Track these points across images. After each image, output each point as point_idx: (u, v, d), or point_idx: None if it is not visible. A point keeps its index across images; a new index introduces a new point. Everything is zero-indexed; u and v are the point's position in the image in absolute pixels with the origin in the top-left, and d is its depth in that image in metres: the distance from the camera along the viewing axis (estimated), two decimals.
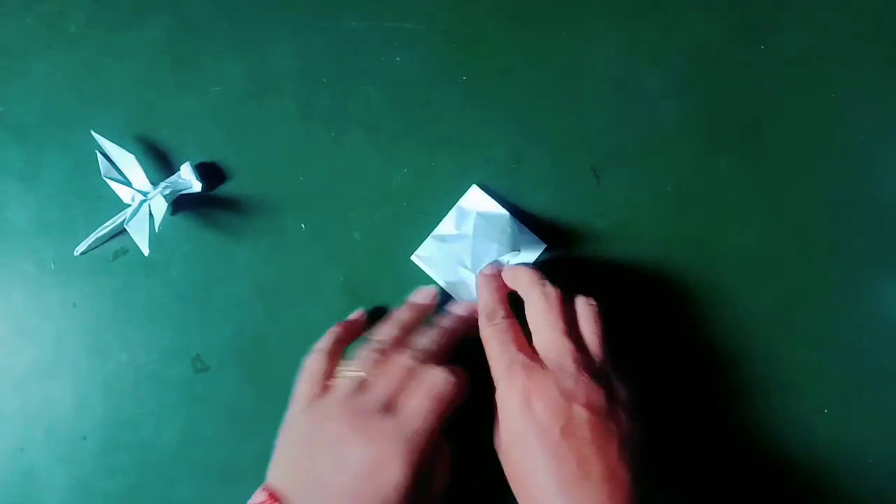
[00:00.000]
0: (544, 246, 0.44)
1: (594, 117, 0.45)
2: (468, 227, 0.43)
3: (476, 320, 0.40)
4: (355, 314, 0.44)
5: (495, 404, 0.38)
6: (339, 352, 0.40)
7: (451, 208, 0.44)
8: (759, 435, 0.44)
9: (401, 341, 0.40)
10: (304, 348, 0.43)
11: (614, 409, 0.35)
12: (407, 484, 0.34)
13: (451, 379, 0.37)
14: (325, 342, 0.41)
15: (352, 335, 0.42)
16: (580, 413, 0.34)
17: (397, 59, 0.46)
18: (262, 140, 0.45)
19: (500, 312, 0.39)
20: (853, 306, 0.44)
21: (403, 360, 0.38)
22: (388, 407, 0.36)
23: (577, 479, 0.33)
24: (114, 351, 0.44)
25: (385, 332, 0.40)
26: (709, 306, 0.44)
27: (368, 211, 0.45)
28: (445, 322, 0.41)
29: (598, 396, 0.35)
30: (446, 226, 0.44)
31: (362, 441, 0.35)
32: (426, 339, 0.40)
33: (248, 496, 0.44)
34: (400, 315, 0.42)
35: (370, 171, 0.45)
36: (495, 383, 0.37)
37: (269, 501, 0.35)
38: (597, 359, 0.37)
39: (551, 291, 0.38)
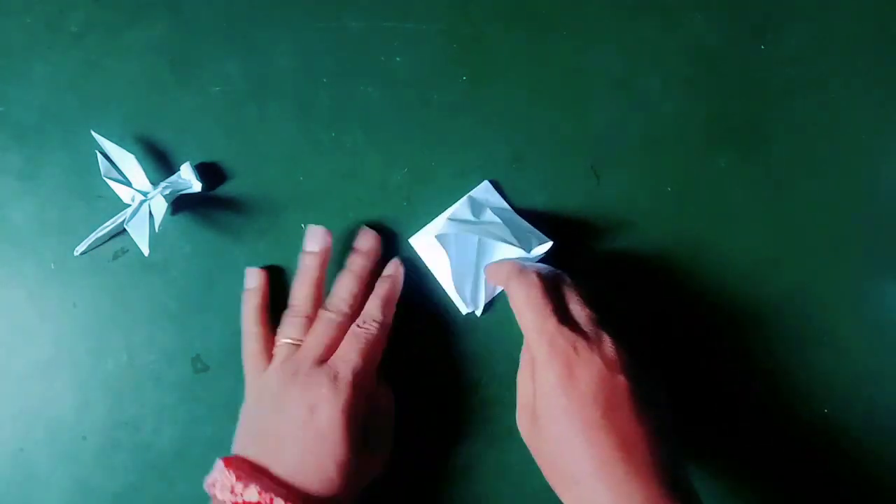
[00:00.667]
0: (551, 243, 0.44)
1: (594, 117, 0.45)
2: (488, 216, 0.43)
3: (376, 251, 0.43)
4: (252, 279, 0.43)
5: (521, 382, 0.38)
6: (264, 322, 0.43)
7: (450, 208, 0.44)
8: (758, 434, 0.44)
9: (318, 297, 0.42)
10: None
11: (648, 381, 0.36)
12: (343, 421, 0.37)
13: (373, 324, 0.40)
14: (248, 323, 0.42)
15: (265, 298, 0.43)
16: (622, 383, 0.34)
17: (397, 59, 0.46)
18: (262, 140, 0.45)
19: (527, 268, 0.39)
20: (853, 306, 0.44)
21: (327, 315, 0.41)
22: (320, 360, 0.39)
23: (622, 452, 0.33)
24: (114, 351, 0.44)
25: (296, 291, 0.42)
26: (709, 306, 0.44)
27: (368, 211, 0.45)
28: (355, 266, 0.42)
29: (637, 367, 0.35)
30: (461, 212, 0.44)
31: (298, 392, 0.38)
32: (345, 291, 0.41)
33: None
34: (307, 271, 0.42)
35: (370, 171, 0.45)
36: (524, 358, 0.37)
37: (223, 468, 0.37)
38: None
39: (568, 280, 0.39)
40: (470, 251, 0.43)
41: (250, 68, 0.45)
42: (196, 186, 0.44)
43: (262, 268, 0.44)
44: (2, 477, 0.44)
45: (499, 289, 0.44)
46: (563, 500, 0.35)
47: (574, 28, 0.46)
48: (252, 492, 0.35)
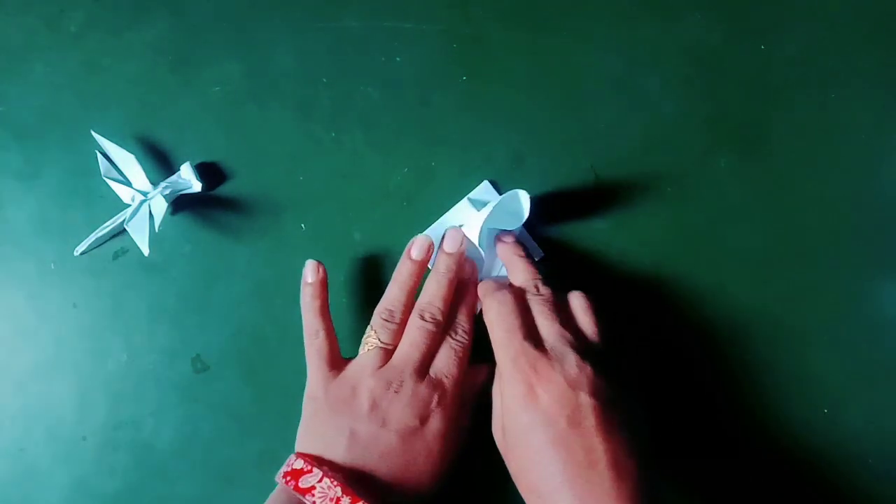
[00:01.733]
0: (542, 255, 0.44)
1: (594, 117, 0.45)
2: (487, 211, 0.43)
3: (462, 253, 0.42)
4: (311, 272, 0.42)
5: (494, 395, 0.39)
6: (329, 323, 0.41)
7: (450, 208, 0.44)
8: (758, 435, 0.44)
9: (409, 304, 0.42)
10: (303, 348, 0.43)
11: (618, 397, 0.35)
12: (449, 435, 0.39)
13: (464, 335, 0.40)
14: (311, 320, 0.41)
15: (325, 297, 0.42)
16: (586, 401, 0.34)
17: (397, 59, 0.46)
18: (262, 140, 0.45)
19: (505, 284, 0.40)
20: (853, 306, 0.44)
21: (419, 323, 0.40)
22: (419, 371, 0.39)
23: (584, 469, 0.33)
24: (114, 351, 0.44)
25: (392, 297, 0.42)
26: (709, 306, 0.44)
27: (368, 211, 0.45)
28: (444, 269, 0.42)
29: (602, 384, 0.35)
30: (462, 214, 0.44)
31: (404, 403, 0.38)
32: (436, 296, 0.41)
33: (249, 496, 0.44)
34: (400, 276, 0.42)
35: (370, 171, 0.45)
36: (497, 371, 0.38)
37: (309, 466, 0.37)
38: (596, 347, 0.37)
39: (545, 290, 0.39)
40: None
41: (250, 68, 0.45)
42: (196, 186, 0.44)
43: (318, 262, 0.43)
44: (2, 477, 0.44)
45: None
46: None
47: (574, 28, 0.46)
48: None
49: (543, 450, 0.34)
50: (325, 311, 0.42)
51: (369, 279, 0.45)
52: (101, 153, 0.43)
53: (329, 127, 0.45)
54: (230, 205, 0.45)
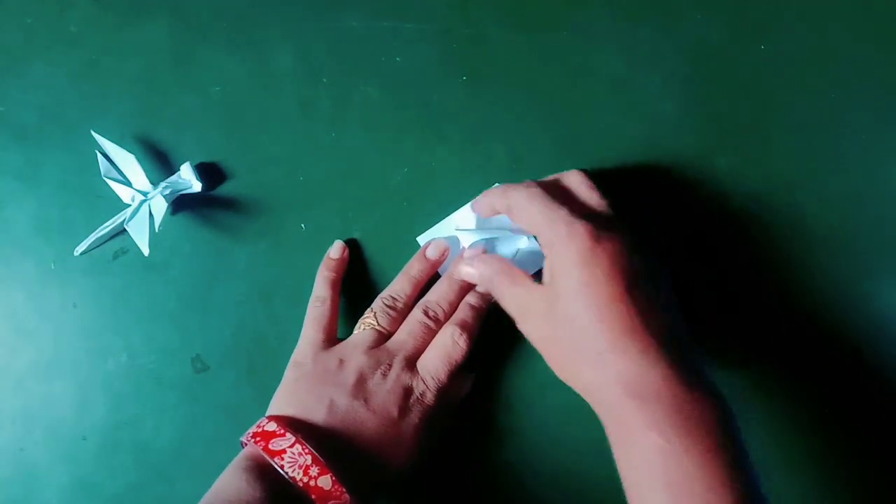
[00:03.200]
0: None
1: (594, 117, 0.45)
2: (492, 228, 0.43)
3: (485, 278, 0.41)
4: (336, 251, 0.44)
5: (521, 288, 0.37)
6: (336, 296, 0.43)
7: (450, 208, 0.44)
8: (758, 434, 0.44)
9: (413, 297, 0.42)
10: None
11: (662, 267, 0.37)
12: (421, 431, 0.39)
13: (462, 341, 0.40)
14: (321, 288, 0.43)
15: (341, 273, 0.44)
16: (638, 262, 0.35)
17: (397, 59, 0.46)
18: (262, 140, 0.45)
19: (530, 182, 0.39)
20: (853, 306, 0.44)
21: (421, 318, 0.41)
22: (408, 362, 0.40)
23: (635, 334, 0.33)
24: (114, 351, 0.44)
25: (399, 287, 0.42)
26: (708, 306, 0.44)
27: (368, 211, 0.45)
28: (458, 275, 0.42)
29: (647, 250, 0.36)
30: (466, 218, 0.44)
31: (388, 389, 0.39)
32: (439, 296, 0.42)
33: None
34: (411, 270, 0.43)
35: (370, 171, 0.45)
36: (549, 239, 0.36)
37: (282, 429, 0.37)
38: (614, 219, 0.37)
39: (532, 184, 0.38)
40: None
41: (250, 68, 0.45)
42: (196, 186, 0.44)
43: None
44: (2, 477, 0.44)
45: None
46: (575, 386, 0.36)
47: (574, 28, 0.46)
48: (327, 481, 0.35)
49: (600, 308, 0.34)
50: (336, 284, 0.43)
51: (369, 279, 0.45)
52: (101, 153, 0.43)
53: (329, 127, 0.45)
54: (230, 205, 0.45)
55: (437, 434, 0.41)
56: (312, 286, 0.44)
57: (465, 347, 0.40)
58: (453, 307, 0.42)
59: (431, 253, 0.43)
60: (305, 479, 0.35)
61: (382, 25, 0.46)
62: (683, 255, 0.44)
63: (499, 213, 0.40)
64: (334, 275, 0.43)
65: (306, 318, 0.42)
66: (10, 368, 0.45)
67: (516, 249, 0.43)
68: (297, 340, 0.43)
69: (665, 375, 0.33)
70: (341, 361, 0.40)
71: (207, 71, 0.45)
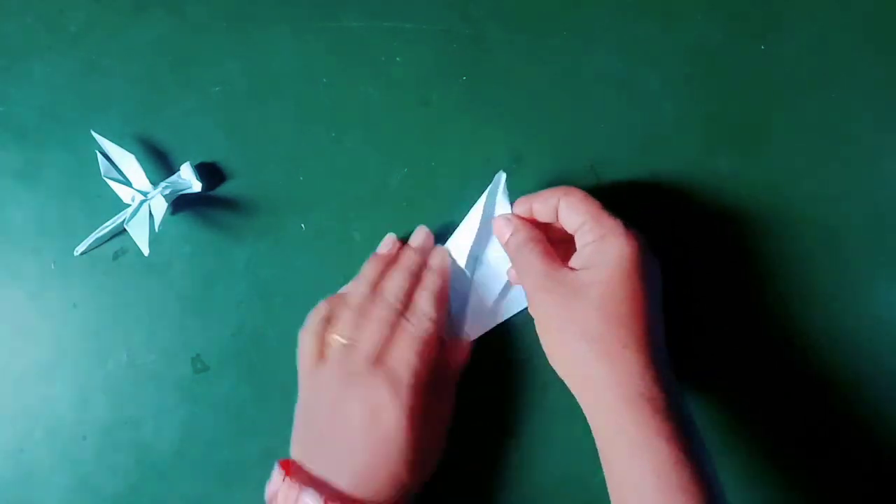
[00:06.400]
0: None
1: (594, 117, 0.45)
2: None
3: (428, 248, 0.43)
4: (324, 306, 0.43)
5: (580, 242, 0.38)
6: (325, 328, 0.41)
7: (450, 208, 0.44)
8: (758, 435, 0.44)
9: (373, 295, 0.41)
10: None
11: None
12: (407, 424, 0.37)
13: (429, 318, 0.39)
14: (310, 321, 0.41)
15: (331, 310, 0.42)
16: (659, 281, 0.38)
17: (397, 59, 0.46)
18: (262, 140, 0.45)
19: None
20: (853, 306, 0.44)
21: (379, 313, 0.40)
22: (377, 361, 0.38)
23: (649, 338, 0.36)
24: (114, 351, 0.44)
25: (355, 289, 0.41)
26: (708, 306, 0.44)
27: (368, 211, 0.45)
28: (405, 261, 0.42)
29: None
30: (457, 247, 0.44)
31: (357, 396, 0.38)
32: (395, 285, 0.41)
33: (248, 496, 0.44)
34: (366, 270, 0.42)
35: (370, 171, 0.45)
36: (597, 230, 0.37)
37: (280, 470, 0.37)
38: None
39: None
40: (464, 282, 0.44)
41: (250, 68, 0.45)
42: (196, 186, 0.44)
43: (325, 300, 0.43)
44: (2, 477, 0.44)
45: (499, 319, 0.44)
46: (569, 375, 0.37)
47: (574, 28, 0.46)
48: None
49: (634, 306, 0.36)
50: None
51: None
52: (101, 153, 0.43)
53: (329, 127, 0.45)
54: (230, 205, 0.45)
55: (447, 416, 0.41)
56: (312, 286, 0.44)
57: (429, 324, 0.39)
58: (409, 295, 0.41)
59: (381, 249, 0.43)
60: None
61: (382, 25, 0.46)
62: (683, 254, 0.44)
63: (536, 213, 0.40)
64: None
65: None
66: (10, 368, 0.45)
67: (502, 285, 0.43)
68: (296, 340, 0.43)
69: (664, 386, 0.34)
70: (315, 386, 0.40)
71: (207, 71, 0.45)
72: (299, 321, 0.43)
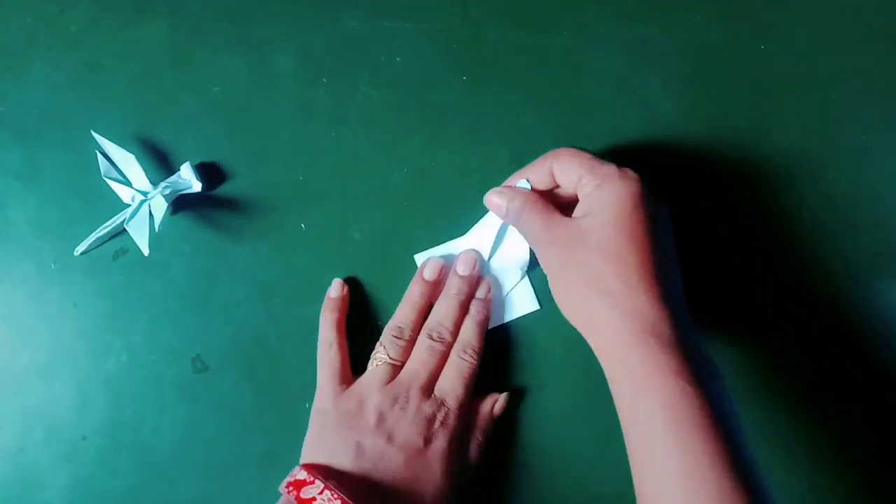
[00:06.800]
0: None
1: (594, 117, 0.45)
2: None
3: (475, 277, 0.43)
4: (336, 289, 0.44)
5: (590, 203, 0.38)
6: (343, 337, 0.43)
7: (450, 208, 0.44)
8: (758, 435, 0.44)
9: (419, 322, 0.42)
10: (304, 348, 0.43)
11: None
12: (449, 452, 0.39)
13: (468, 356, 0.41)
14: (327, 332, 0.43)
15: (344, 312, 0.44)
16: (666, 221, 0.38)
17: (397, 59, 0.46)
18: (262, 140, 0.45)
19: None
20: (853, 306, 0.44)
21: (429, 344, 0.41)
22: (425, 389, 0.40)
23: (656, 279, 0.35)
24: (114, 351, 0.44)
25: (404, 315, 0.42)
26: (708, 306, 0.44)
27: (368, 211, 0.45)
28: (455, 292, 0.42)
29: None
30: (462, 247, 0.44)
31: (408, 421, 0.39)
32: (444, 316, 0.42)
33: (248, 496, 0.44)
34: (412, 295, 0.43)
35: (370, 171, 0.45)
36: (593, 179, 0.37)
37: (311, 477, 0.37)
38: None
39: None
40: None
41: (250, 68, 0.46)
42: (196, 186, 0.44)
43: (344, 280, 0.44)
44: (2, 477, 0.44)
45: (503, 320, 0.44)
46: (579, 321, 0.37)
47: (574, 28, 0.46)
48: None
49: (636, 244, 0.35)
50: (341, 324, 0.43)
51: (369, 280, 0.45)
52: (101, 153, 0.43)
53: (329, 127, 0.45)
54: (230, 205, 0.45)
55: (471, 467, 0.41)
56: (312, 286, 0.44)
57: (474, 360, 0.41)
58: (457, 325, 0.42)
59: (428, 274, 0.43)
60: None
61: (382, 25, 0.46)
62: (683, 253, 0.44)
63: (534, 183, 0.40)
64: (338, 314, 0.43)
65: (318, 363, 0.42)
66: (10, 368, 0.45)
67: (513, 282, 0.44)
68: (297, 340, 0.44)
69: (675, 324, 0.34)
70: (360, 403, 0.40)
71: (207, 71, 0.45)
72: (299, 321, 0.44)
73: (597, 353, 0.36)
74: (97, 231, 0.43)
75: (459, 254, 0.43)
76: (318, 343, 0.43)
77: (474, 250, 0.44)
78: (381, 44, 0.46)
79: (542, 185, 0.40)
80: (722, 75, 0.45)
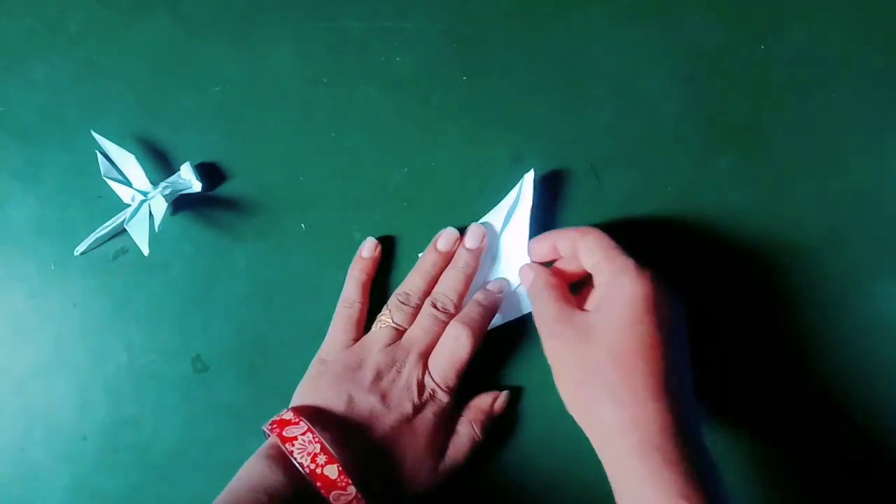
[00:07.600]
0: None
1: (594, 117, 0.45)
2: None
3: (482, 249, 0.43)
4: (368, 249, 0.44)
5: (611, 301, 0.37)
6: (366, 300, 0.43)
7: (450, 208, 0.44)
8: (758, 436, 0.44)
9: (427, 291, 0.43)
10: (304, 348, 0.43)
11: None
12: (436, 427, 0.40)
13: (466, 338, 0.40)
14: (351, 291, 0.43)
15: (371, 275, 0.44)
16: (681, 322, 0.38)
17: (397, 59, 0.46)
18: (262, 140, 0.45)
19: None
20: (853, 306, 0.44)
21: (433, 312, 0.41)
22: (422, 357, 0.40)
23: (668, 386, 0.35)
24: (114, 351, 0.44)
25: (412, 283, 0.43)
26: (708, 307, 0.44)
27: (368, 211, 0.45)
28: (462, 264, 0.43)
29: None
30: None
31: (403, 385, 0.40)
32: (446, 288, 0.42)
33: None
34: (424, 265, 0.43)
35: (370, 171, 0.45)
36: (610, 271, 0.37)
37: (297, 418, 0.38)
38: None
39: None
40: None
41: (250, 68, 0.45)
42: (196, 186, 0.44)
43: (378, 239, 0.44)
44: (2, 477, 0.44)
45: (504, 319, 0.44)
46: (586, 422, 0.37)
47: (574, 28, 0.46)
48: (333, 470, 0.36)
49: (650, 350, 0.35)
50: (367, 286, 0.44)
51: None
52: (101, 153, 0.43)
53: (329, 127, 0.45)
54: (230, 205, 0.45)
55: (459, 454, 0.41)
56: (312, 286, 0.44)
57: (469, 346, 0.40)
58: (462, 296, 0.42)
59: (442, 245, 0.43)
60: (312, 467, 0.36)
61: (382, 25, 0.46)
62: (682, 254, 0.44)
63: (555, 254, 0.41)
64: (366, 276, 0.43)
65: (335, 317, 0.43)
66: (10, 368, 0.45)
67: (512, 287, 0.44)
68: (297, 340, 0.44)
69: (680, 432, 0.34)
70: (361, 360, 0.41)
71: (207, 71, 0.45)
72: (299, 321, 0.44)
73: (599, 455, 0.36)
74: (97, 231, 0.43)
75: (470, 226, 0.43)
76: (340, 300, 0.43)
77: (485, 223, 0.44)
78: (381, 44, 0.46)
79: (567, 253, 0.41)
80: (722, 75, 0.45)
